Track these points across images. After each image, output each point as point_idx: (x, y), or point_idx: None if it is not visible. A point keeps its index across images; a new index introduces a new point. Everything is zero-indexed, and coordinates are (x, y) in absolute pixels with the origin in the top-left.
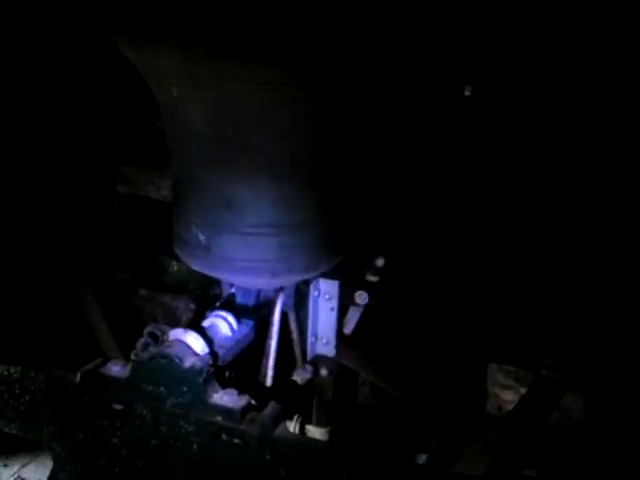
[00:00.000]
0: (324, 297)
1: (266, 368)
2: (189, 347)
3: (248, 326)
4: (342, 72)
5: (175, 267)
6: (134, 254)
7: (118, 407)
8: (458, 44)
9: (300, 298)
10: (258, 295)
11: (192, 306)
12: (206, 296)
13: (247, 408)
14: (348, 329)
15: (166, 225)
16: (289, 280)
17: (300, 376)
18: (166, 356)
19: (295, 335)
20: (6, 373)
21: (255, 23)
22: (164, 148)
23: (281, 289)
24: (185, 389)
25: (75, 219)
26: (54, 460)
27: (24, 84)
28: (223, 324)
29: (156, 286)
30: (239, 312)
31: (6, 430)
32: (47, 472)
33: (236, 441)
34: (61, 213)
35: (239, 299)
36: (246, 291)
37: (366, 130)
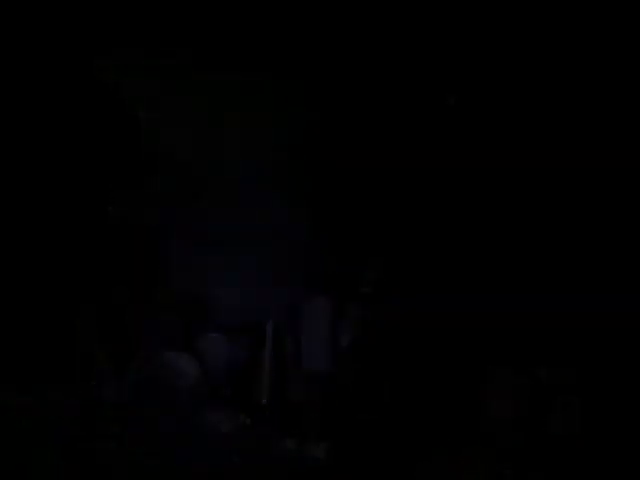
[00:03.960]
0: (318, 311)
1: (261, 386)
2: (182, 368)
3: (241, 344)
4: (328, 79)
5: (169, 287)
6: (128, 275)
7: (113, 429)
8: (442, 54)
9: (294, 313)
10: (250, 312)
11: (185, 326)
12: (199, 316)
13: (241, 427)
14: (343, 343)
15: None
16: (279, 295)
17: (296, 393)
18: (160, 377)
19: (290, 351)
20: None
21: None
22: (155, 170)
23: (274, 305)
24: (179, 410)
25: (69, 240)
26: None
27: (14, 105)
28: (216, 343)
29: (150, 306)
30: (232, 331)
31: None
32: None
33: (232, 460)
34: (56, 234)
35: (231, 318)
36: (238, 309)
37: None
